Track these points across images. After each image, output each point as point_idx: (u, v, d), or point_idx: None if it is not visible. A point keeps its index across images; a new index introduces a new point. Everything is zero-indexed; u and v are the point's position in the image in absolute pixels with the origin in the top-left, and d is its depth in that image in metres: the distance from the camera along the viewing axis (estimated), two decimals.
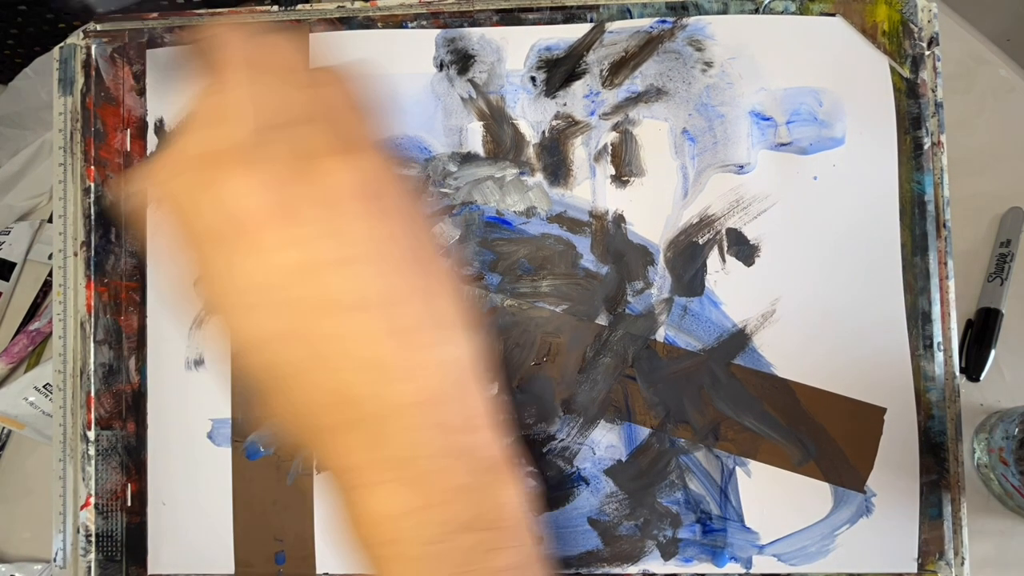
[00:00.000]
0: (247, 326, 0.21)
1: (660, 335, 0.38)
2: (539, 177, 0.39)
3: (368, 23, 0.41)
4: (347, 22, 0.41)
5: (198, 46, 0.24)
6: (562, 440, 0.38)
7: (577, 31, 0.40)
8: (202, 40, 0.23)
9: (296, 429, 0.23)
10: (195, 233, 0.22)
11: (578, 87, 0.39)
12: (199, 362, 0.40)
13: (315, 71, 0.24)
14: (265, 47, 0.24)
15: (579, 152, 0.39)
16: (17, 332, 0.48)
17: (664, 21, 0.39)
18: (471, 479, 0.23)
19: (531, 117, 0.39)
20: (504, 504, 0.23)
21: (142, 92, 0.41)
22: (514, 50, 0.40)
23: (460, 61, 0.40)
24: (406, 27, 0.40)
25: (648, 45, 0.39)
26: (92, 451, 0.40)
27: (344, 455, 0.22)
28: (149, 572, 0.39)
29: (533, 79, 0.40)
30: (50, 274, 0.49)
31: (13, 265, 0.50)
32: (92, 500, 0.39)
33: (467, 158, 0.39)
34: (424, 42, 0.40)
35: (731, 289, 0.38)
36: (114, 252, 0.41)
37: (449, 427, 0.23)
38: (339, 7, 0.41)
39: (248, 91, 0.22)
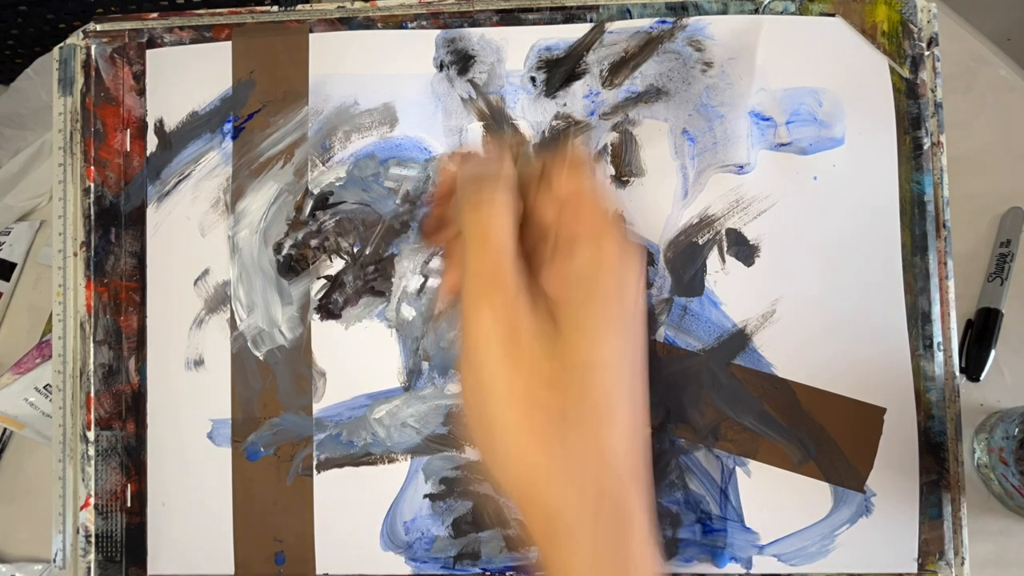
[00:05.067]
0: (609, 348, 0.24)
1: (660, 335, 0.38)
2: None
3: (368, 23, 0.41)
4: (347, 22, 0.41)
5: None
6: None
7: (577, 31, 0.40)
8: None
9: (601, 469, 0.24)
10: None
11: (578, 87, 0.39)
12: (199, 362, 0.40)
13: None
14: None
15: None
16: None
17: (664, 21, 0.39)
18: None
19: (531, 117, 0.39)
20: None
21: (142, 92, 0.41)
22: (514, 50, 0.40)
23: (460, 61, 0.40)
24: (406, 27, 0.40)
25: (648, 45, 0.39)
26: (92, 451, 0.40)
27: (633, 505, 0.24)
28: (149, 573, 0.39)
29: (533, 79, 0.40)
30: None
31: (13, 265, 0.50)
32: (92, 500, 0.39)
33: None
34: (424, 42, 0.40)
35: (731, 289, 0.38)
36: (114, 252, 0.41)
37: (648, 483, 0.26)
38: (339, 7, 0.41)
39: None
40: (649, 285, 0.38)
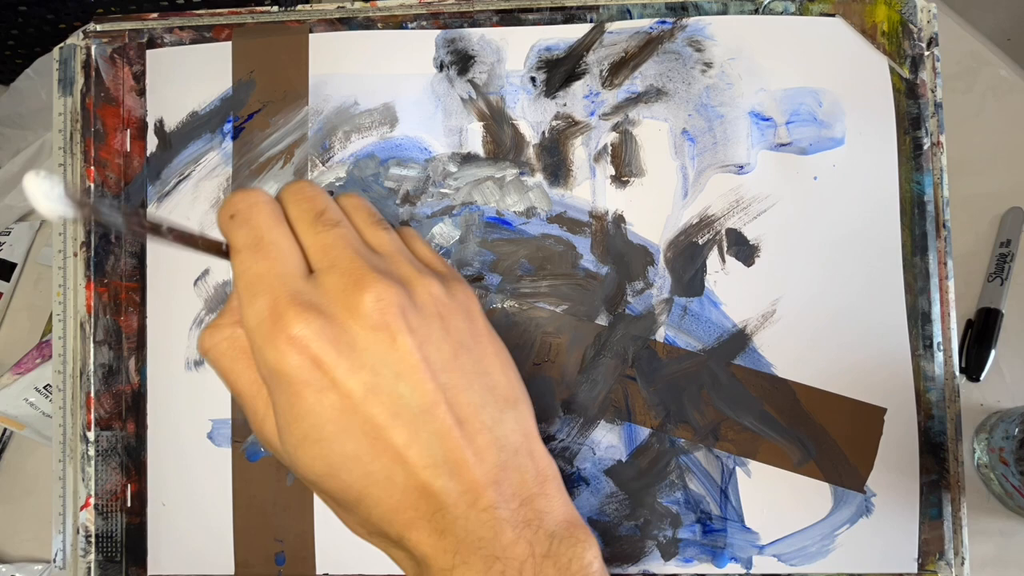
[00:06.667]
0: (325, 455, 0.23)
1: (660, 335, 0.38)
2: (539, 177, 0.39)
3: (368, 23, 0.41)
4: (347, 22, 0.41)
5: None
6: (562, 440, 0.38)
7: (577, 31, 0.40)
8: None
9: (375, 533, 0.25)
10: (259, 380, 0.25)
11: (578, 87, 0.39)
12: (199, 362, 0.40)
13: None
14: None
15: (579, 152, 0.39)
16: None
17: (664, 22, 0.39)
18: (551, 545, 0.24)
19: (531, 117, 0.39)
20: (590, 565, 0.24)
21: (142, 92, 0.41)
22: (514, 50, 0.40)
23: (460, 62, 0.40)
24: (406, 28, 0.40)
25: (648, 46, 0.39)
26: (92, 452, 0.40)
27: (420, 546, 0.23)
28: (149, 573, 0.39)
29: (533, 79, 0.40)
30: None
31: (13, 266, 0.50)
32: (92, 501, 0.39)
33: (467, 158, 0.40)
34: (424, 43, 0.40)
35: (731, 289, 0.38)
36: (114, 252, 0.41)
37: (525, 496, 0.24)
38: (339, 7, 0.41)
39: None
40: (649, 285, 0.38)
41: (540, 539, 0.24)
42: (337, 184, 0.40)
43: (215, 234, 0.26)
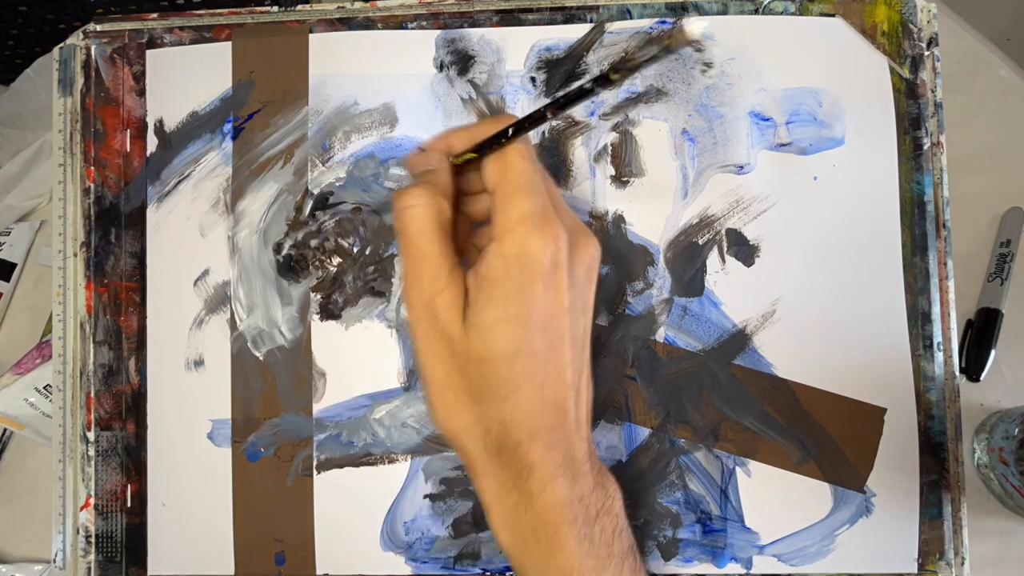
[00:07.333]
0: (517, 340, 0.27)
1: (660, 335, 0.38)
2: None
3: (368, 24, 0.41)
4: (347, 23, 0.41)
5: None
6: None
7: (577, 31, 0.40)
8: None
9: (489, 433, 0.28)
10: (451, 254, 0.28)
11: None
12: (199, 362, 0.40)
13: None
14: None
15: (579, 152, 0.39)
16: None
17: (664, 22, 0.39)
18: (598, 477, 0.30)
19: None
20: (614, 494, 0.30)
21: (142, 93, 0.41)
22: (514, 51, 0.40)
23: (460, 62, 0.40)
24: (406, 28, 0.40)
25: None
26: (92, 452, 0.40)
27: (531, 453, 0.28)
28: (149, 573, 0.39)
29: (533, 80, 0.40)
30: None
31: (13, 266, 0.50)
32: (92, 501, 0.39)
33: None
34: (424, 43, 0.40)
35: (731, 289, 0.38)
36: (114, 252, 0.41)
37: (589, 436, 0.30)
38: (339, 8, 0.41)
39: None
40: (649, 285, 0.38)
41: (596, 471, 0.30)
42: (337, 184, 0.40)
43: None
